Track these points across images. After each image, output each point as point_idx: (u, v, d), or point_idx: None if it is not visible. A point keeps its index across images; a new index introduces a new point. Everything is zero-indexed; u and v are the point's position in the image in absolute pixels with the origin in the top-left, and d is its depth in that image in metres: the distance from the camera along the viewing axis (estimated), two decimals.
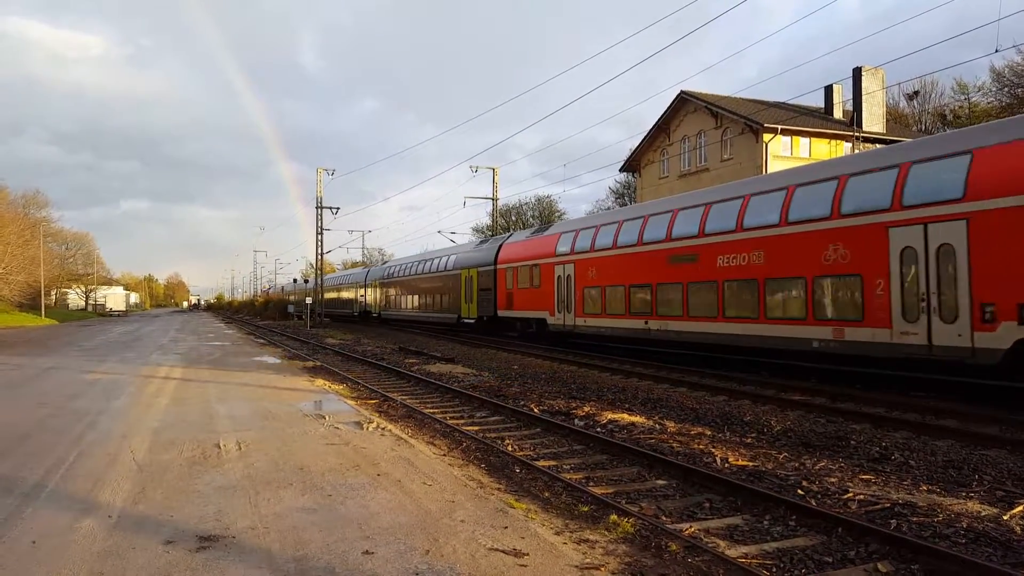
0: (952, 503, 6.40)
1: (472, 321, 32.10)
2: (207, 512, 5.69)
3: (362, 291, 53.45)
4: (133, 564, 4.59)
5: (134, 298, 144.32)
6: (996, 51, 17.64)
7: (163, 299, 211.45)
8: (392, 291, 45.68)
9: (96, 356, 22.23)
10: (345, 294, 58.46)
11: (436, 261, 37.74)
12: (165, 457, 7.74)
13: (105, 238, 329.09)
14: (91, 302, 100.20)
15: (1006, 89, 40.22)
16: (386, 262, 60.21)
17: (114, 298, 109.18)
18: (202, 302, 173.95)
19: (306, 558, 4.67)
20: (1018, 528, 5.69)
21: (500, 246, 30.06)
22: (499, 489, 7.07)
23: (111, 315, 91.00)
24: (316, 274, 52.97)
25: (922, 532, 5.65)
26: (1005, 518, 5.93)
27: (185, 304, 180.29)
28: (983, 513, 6.07)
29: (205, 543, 4.96)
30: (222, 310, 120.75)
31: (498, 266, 29.24)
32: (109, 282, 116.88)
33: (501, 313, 28.90)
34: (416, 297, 40.53)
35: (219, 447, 8.26)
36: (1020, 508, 6.21)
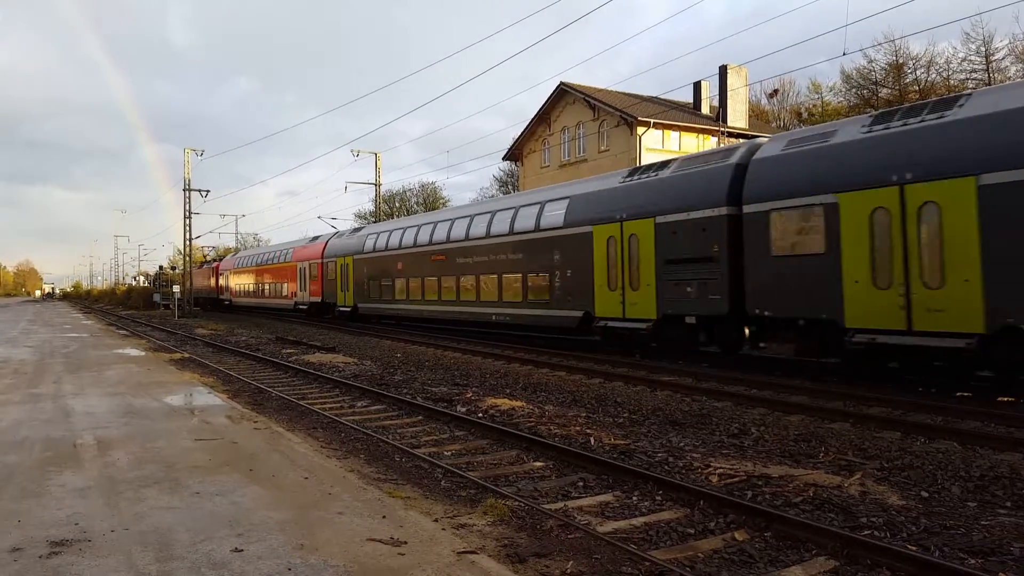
0: (801, 473, 6.95)
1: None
2: (60, 515, 5.32)
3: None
4: None
5: None
6: (844, 54, 19.13)
7: (13, 288, 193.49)
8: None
9: None
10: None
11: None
12: (13, 458, 7.15)
13: None
14: None
15: (854, 90, 43.68)
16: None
17: None
18: (57, 291, 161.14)
19: (170, 558, 4.47)
20: (856, 493, 6.27)
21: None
22: (379, 479, 7.03)
23: None
24: (184, 261, 50.44)
25: (774, 501, 6.11)
26: (846, 485, 6.52)
27: (38, 293, 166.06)
28: (827, 482, 6.65)
29: (58, 548, 4.64)
30: (80, 299, 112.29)
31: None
32: None
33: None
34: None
35: (75, 446, 7.72)
36: (858, 475, 6.85)
